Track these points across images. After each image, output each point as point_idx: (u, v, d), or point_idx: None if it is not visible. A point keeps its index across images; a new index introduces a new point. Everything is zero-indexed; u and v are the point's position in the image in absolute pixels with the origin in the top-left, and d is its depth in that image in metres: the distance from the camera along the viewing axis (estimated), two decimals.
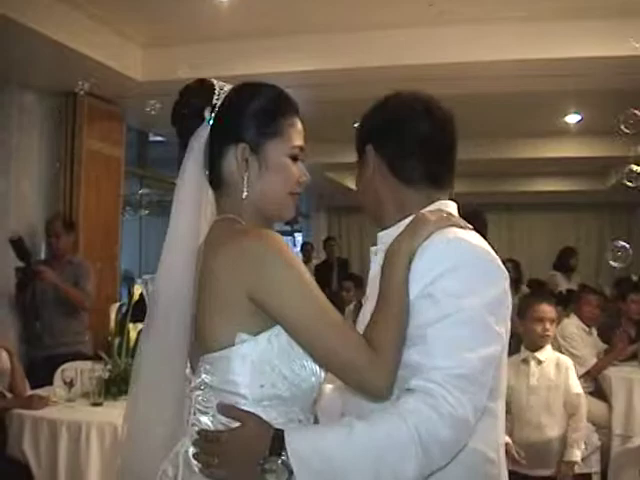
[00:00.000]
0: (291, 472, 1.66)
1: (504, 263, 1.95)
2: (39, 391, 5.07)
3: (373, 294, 1.92)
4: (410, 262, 1.83)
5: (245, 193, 1.89)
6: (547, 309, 5.13)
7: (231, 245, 1.77)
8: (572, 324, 6.93)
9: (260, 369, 1.76)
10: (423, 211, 1.96)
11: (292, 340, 1.76)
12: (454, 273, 1.81)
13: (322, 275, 12.34)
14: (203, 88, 1.95)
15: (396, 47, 6.36)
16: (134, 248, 10.26)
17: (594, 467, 6.38)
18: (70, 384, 4.95)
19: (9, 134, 7.24)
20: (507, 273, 1.92)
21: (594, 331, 7.10)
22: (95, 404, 4.68)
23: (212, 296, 1.79)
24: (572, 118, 9.88)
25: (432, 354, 1.75)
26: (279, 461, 1.66)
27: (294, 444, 1.69)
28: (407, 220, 1.95)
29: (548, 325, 5.07)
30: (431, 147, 2.05)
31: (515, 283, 8.92)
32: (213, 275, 1.78)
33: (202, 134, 1.90)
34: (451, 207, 2.06)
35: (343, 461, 1.67)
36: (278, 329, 1.76)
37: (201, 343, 1.83)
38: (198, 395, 1.84)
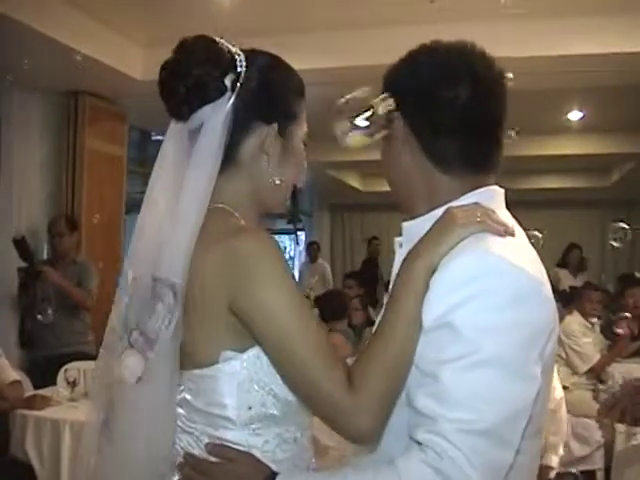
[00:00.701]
0: None
1: None
2: (42, 391, 5.07)
3: None
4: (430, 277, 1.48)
5: (272, 180, 1.68)
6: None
7: (220, 245, 1.51)
8: (574, 321, 6.93)
9: (247, 389, 1.54)
10: (454, 206, 1.57)
11: None
12: (480, 301, 1.42)
13: (368, 273, 12.33)
14: (211, 49, 1.61)
15: (399, 44, 6.32)
16: None
17: (598, 464, 6.39)
18: (73, 384, 4.96)
19: (11, 134, 7.23)
20: (553, 300, 1.54)
21: (597, 328, 7.10)
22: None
23: (197, 303, 1.54)
24: (574, 115, 9.86)
25: (445, 401, 1.40)
26: None
27: None
28: (439, 211, 1.59)
29: None
30: (474, 120, 1.64)
31: None
32: (199, 280, 1.53)
33: (222, 107, 1.59)
34: (496, 197, 1.69)
35: None
36: None
37: (183, 356, 1.58)
38: (180, 413, 1.62)
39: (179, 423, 1.62)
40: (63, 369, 5.24)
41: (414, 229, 1.64)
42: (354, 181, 14.33)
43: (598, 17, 6.18)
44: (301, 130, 1.74)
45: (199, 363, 1.56)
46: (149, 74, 6.88)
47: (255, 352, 1.53)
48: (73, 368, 5.21)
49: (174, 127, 1.66)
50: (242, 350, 1.53)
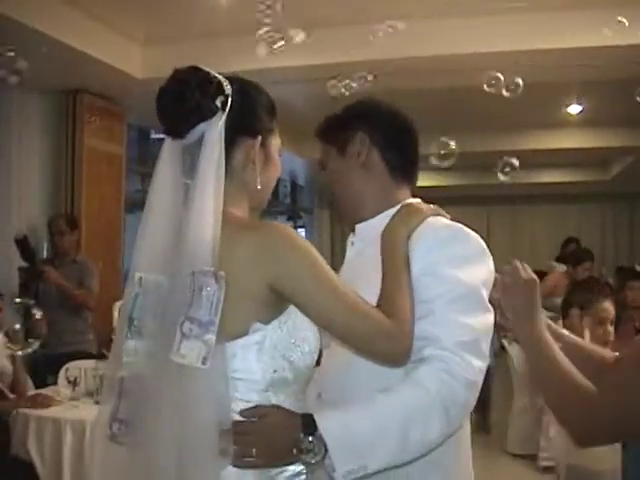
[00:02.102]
0: (326, 449, 1.78)
1: None
2: (43, 390, 5.08)
3: (353, 277, 2.04)
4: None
5: (257, 184, 1.97)
6: (609, 308, 4.55)
7: (249, 237, 1.83)
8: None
9: (272, 355, 1.82)
10: (411, 202, 2.22)
11: (296, 325, 1.85)
12: (452, 252, 2.02)
13: None
14: (203, 77, 1.90)
15: (394, 40, 6.33)
16: None
17: None
18: (74, 383, 4.97)
19: (10, 133, 7.25)
20: (491, 258, 2.10)
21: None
22: (99, 402, 4.66)
23: (227, 287, 1.75)
24: (574, 109, 9.86)
25: (441, 324, 1.92)
26: (315, 439, 1.78)
27: (324, 423, 1.80)
28: (389, 212, 2.17)
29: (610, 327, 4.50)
30: (413, 142, 2.27)
31: None
32: (227, 267, 1.75)
33: (217, 125, 1.86)
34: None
35: (371, 431, 1.81)
36: (286, 315, 1.84)
37: None
38: None
39: None
40: (64, 368, 5.25)
41: (367, 229, 2.22)
42: None
43: (598, 10, 6.17)
44: (276, 141, 2.06)
45: (231, 335, 1.79)
46: (148, 72, 6.89)
47: (277, 323, 1.83)
48: (74, 367, 5.21)
49: (169, 145, 1.92)
50: (267, 322, 1.82)
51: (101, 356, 5.08)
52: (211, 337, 1.72)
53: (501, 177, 2.72)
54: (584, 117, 10.20)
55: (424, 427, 1.84)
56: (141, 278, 1.84)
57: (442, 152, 3.03)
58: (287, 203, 15.37)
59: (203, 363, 1.71)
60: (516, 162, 2.93)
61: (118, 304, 5.33)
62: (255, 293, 1.81)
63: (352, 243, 2.32)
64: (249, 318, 1.81)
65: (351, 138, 2.22)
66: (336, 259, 16.25)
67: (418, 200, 2.25)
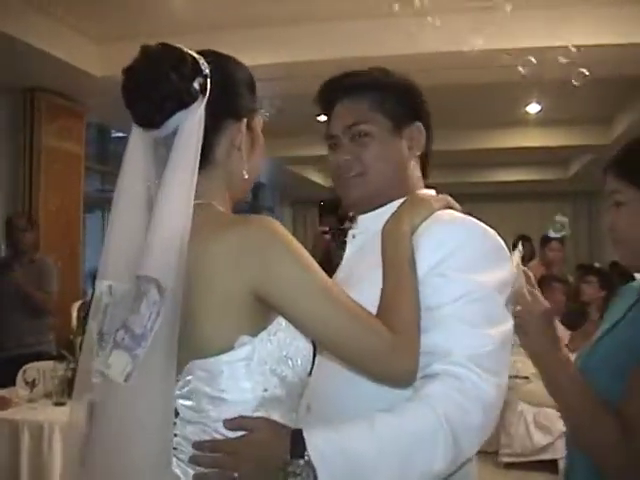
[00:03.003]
0: (316, 475, 1.53)
1: None
2: (0, 392, 5.02)
3: (352, 279, 1.85)
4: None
5: (242, 172, 1.73)
6: None
7: (229, 235, 1.58)
8: None
9: (261, 371, 1.59)
10: (417, 193, 1.93)
11: (287, 336, 1.62)
12: (465, 251, 1.74)
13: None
14: (178, 56, 1.64)
15: (358, 39, 6.35)
16: (101, 246, 10.16)
17: (560, 453, 6.45)
18: (32, 384, 4.91)
19: None
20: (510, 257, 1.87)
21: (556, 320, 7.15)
22: (58, 404, 4.63)
23: (207, 293, 1.57)
24: (533, 108, 9.94)
25: (452, 335, 1.65)
26: (302, 462, 1.54)
27: (315, 444, 1.55)
28: (394, 203, 1.88)
29: None
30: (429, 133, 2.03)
31: None
32: (207, 270, 1.56)
33: (196, 112, 1.61)
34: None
35: (368, 457, 1.55)
36: (276, 325, 1.61)
37: (188, 347, 1.57)
38: (185, 405, 1.61)
39: (185, 415, 1.61)
40: (22, 369, 5.19)
41: (369, 221, 1.93)
42: (315, 176, 14.35)
43: (557, 10, 6.23)
44: (260, 121, 1.81)
45: (213, 351, 1.57)
46: (107, 70, 6.84)
47: (265, 335, 1.60)
48: (32, 368, 5.15)
49: (139, 135, 1.68)
50: (255, 334, 1.59)
51: (61, 357, 5.03)
52: (139, 353, 1.50)
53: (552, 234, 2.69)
54: (543, 116, 10.29)
55: (427, 457, 1.56)
56: (110, 287, 1.62)
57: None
58: (248, 201, 15.35)
59: (125, 379, 1.50)
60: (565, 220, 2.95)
61: (77, 304, 5.28)
62: (238, 301, 1.57)
63: (353, 236, 2.03)
64: (234, 330, 1.58)
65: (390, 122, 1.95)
66: None
67: (431, 191, 2.00)
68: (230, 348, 1.57)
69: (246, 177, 1.74)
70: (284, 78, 6.92)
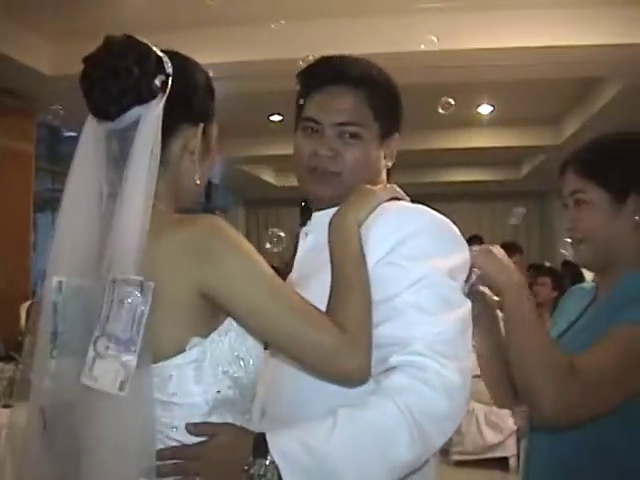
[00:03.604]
0: (280, 475, 1.50)
1: None
2: None
3: (307, 277, 1.83)
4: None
5: (193, 178, 1.70)
6: None
7: (176, 236, 1.56)
8: None
9: (214, 373, 1.57)
10: (364, 185, 1.84)
11: (239, 336, 1.60)
12: (416, 238, 1.71)
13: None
14: (142, 51, 1.61)
15: (310, 39, 6.35)
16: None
17: (510, 451, 6.53)
18: None
19: None
20: (466, 244, 1.85)
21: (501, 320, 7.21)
22: (5, 406, 4.57)
23: (155, 295, 1.49)
24: (484, 109, 10.02)
25: (409, 324, 1.62)
26: (266, 462, 1.51)
27: (278, 444, 1.53)
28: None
29: None
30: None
31: None
32: (154, 272, 1.50)
33: (155, 110, 1.58)
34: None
35: (332, 455, 1.52)
36: (227, 325, 1.59)
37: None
38: None
39: None
40: None
41: (323, 219, 1.83)
42: (268, 176, 14.33)
43: (507, 11, 6.28)
44: (215, 128, 1.78)
45: (164, 354, 1.54)
46: (58, 69, 6.78)
47: (216, 336, 1.58)
48: None
49: (92, 126, 1.64)
50: (206, 335, 1.57)
51: (9, 358, 4.97)
52: (131, 359, 1.45)
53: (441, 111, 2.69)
54: (495, 116, 10.37)
55: (391, 451, 1.54)
56: (61, 283, 1.56)
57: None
58: (202, 202, 15.27)
59: (120, 389, 1.44)
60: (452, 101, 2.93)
61: (26, 305, 5.22)
62: (186, 302, 1.55)
63: (306, 234, 1.98)
64: (184, 332, 1.55)
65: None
66: None
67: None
68: (181, 350, 1.55)
69: (197, 183, 1.72)
70: (237, 77, 6.91)
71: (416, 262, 1.68)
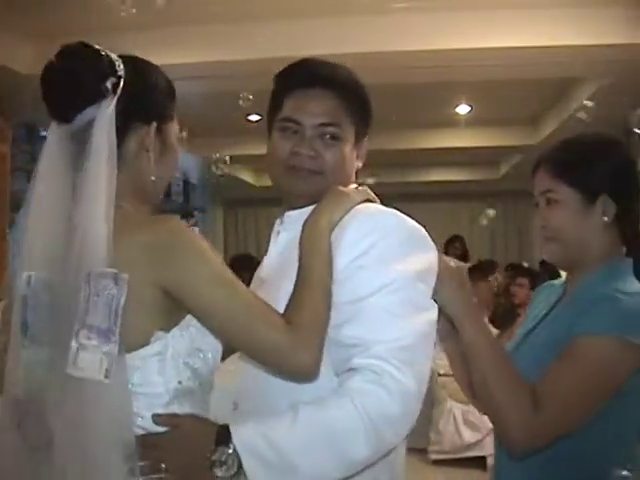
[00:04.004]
0: (240, 463, 1.61)
1: None
2: None
3: (277, 275, 1.91)
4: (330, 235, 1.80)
5: (151, 176, 1.80)
6: None
7: (139, 236, 1.66)
8: None
9: (175, 364, 1.69)
10: (338, 187, 1.92)
11: (199, 330, 1.71)
12: (386, 242, 1.78)
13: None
14: (93, 55, 1.72)
15: (281, 38, 6.34)
16: None
17: (488, 450, 6.54)
18: None
19: None
20: (435, 248, 1.90)
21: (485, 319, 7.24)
22: None
23: None
24: (462, 109, 10.04)
25: (371, 328, 1.70)
26: (229, 451, 1.61)
27: (240, 434, 1.63)
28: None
29: None
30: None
31: None
32: (120, 270, 1.58)
33: (107, 110, 1.68)
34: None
35: (291, 448, 1.63)
36: (187, 321, 1.70)
37: None
38: None
39: None
40: None
41: (298, 218, 1.91)
42: (247, 176, 14.30)
43: (485, 11, 6.30)
44: (175, 128, 1.89)
45: (130, 347, 1.63)
46: (34, 68, 6.72)
47: (178, 330, 1.69)
48: None
49: (55, 129, 1.76)
50: (168, 330, 1.68)
51: None
52: (112, 347, 1.55)
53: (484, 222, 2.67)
54: (473, 116, 10.39)
55: (348, 448, 1.64)
56: (30, 277, 1.65)
57: None
58: (180, 202, 15.21)
59: (106, 376, 1.54)
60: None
61: (2, 304, 5.17)
62: (149, 298, 1.64)
63: (278, 233, 2.06)
64: (148, 326, 1.66)
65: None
66: (228, 257, 16.19)
67: (352, 185, 2.01)
68: (146, 343, 1.66)
69: (153, 179, 1.81)
70: (216, 77, 6.90)
71: (386, 265, 1.75)
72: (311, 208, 1.88)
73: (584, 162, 2.04)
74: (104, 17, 6.17)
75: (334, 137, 1.95)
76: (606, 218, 2.01)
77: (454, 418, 6.80)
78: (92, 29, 6.52)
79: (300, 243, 1.81)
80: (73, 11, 6.21)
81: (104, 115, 1.68)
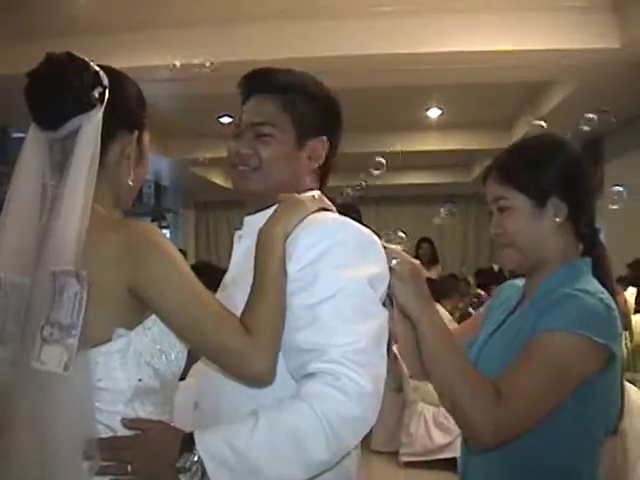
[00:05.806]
0: (205, 470, 1.64)
1: None
2: None
3: (239, 280, 1.93)
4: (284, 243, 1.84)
5: (128, 181, 1.89)
6: None
7: (112, 237, 1.73)
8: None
9: (136, 362, 1.73)
10: (292, 195, 1.96)
11: (162, 331, 1.76)
12: (338, 249, 1.81)
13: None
14: (81, 65, 1.78)
15: (258, 40, 6.35)
16: None
17: (459, 452, 6.55)
18: None
19: None
20: (385, 256, 1.93)
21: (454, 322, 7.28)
22: None
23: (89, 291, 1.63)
24: (433, 112, 10.09)
25: (326, 333, 1.74)
26: (194, 458, 1.65)
27: (204, 442, 1.67)
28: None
29: None
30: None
31: None
32: (89, 269, 1.62)
33: (94, 119, 1.75)
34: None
35: (253, 453, 1.66)
36: (151, 321, 1.75)
37: None
38: None
39: None
40: None
41: (255, 222, 1.95)
42: (218, 178, 14.29)
43: (454, 15, 6.33)
44: (148, 137, 1.97)
45: (91, 342, 1.67)
46: (5, 69, 6.69)
47: (141, 329, 1.75)
48: None
49: (36, 134, 1.80)
50: (131, 328, 1.73)
51: None
52: (73, 341, 1.59)
53: (374, 172, 2.72)
54: (444, 120, 10.45)
55: (309, 452, 1.67)
56: (0, 278, 1.70)
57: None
58: (151, 204, 15.15)
59: (65, 369, 1.58)
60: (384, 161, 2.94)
61: None
62: (116, 297, 1.71)
63: (239, 238, 2.12)
64: (111, 324, 1.72)
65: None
66: (201, 259, 16.15)
67: (315, 192, 2.04)
68: (108, 340, 1.71)
69: (130, 185, 1.90)
70: (186, 79, 6.89)
71: (338, 271, 1.79)
72: (268, 212, 1.92)
73: (530, 166, 2.05)
74: (73, 19, 6.16)
75: (268, 135, 2.00)
76: (558, 219, 2.03)
77: (425, 420, 6.80)
78: (61, 31, 6.52)
79: (256, 249, 1.85)
80: (42, 13, 6.18)
81: (91, 124, 1.74)
